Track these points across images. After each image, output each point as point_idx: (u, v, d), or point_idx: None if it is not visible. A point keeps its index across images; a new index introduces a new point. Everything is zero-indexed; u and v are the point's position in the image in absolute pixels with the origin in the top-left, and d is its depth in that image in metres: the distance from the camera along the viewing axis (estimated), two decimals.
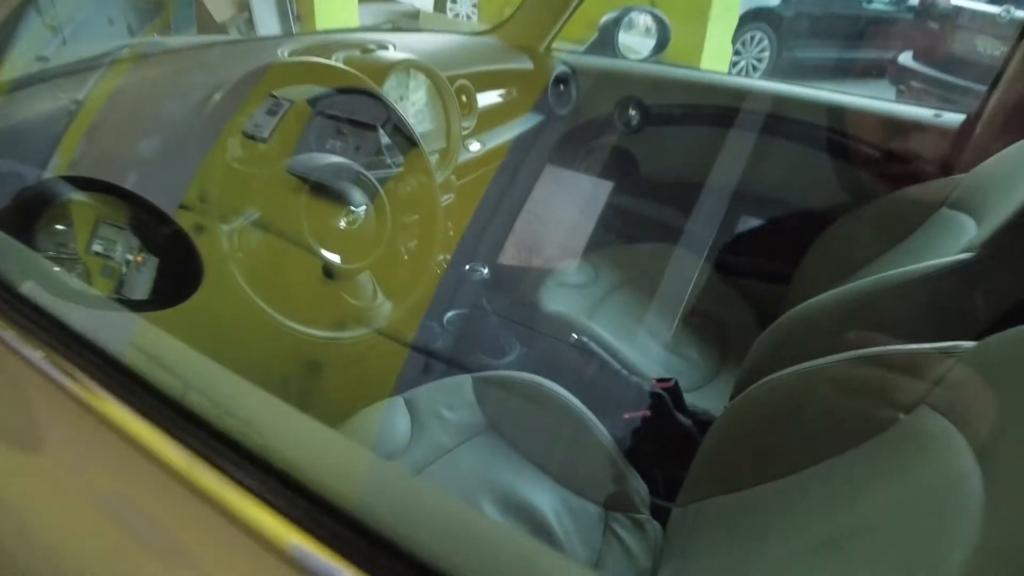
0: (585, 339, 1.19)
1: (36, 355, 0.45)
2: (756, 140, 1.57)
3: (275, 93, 1.03)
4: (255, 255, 0.80)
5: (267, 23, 3.39)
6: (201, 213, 0.91)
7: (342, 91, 1.05)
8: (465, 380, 1.17)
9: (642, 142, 1.75)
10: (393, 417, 1.08)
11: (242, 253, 0.80)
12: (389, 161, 1.07)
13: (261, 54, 1.26)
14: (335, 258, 0.85)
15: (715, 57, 2.91)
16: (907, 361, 0.76)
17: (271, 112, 1.00)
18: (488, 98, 1.56)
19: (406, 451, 1.05)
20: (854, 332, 1.02)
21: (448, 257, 1.24)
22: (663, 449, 1.13)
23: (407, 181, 1.01)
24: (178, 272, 0.75)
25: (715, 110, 1.61)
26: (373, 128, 1.02)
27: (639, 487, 1.06)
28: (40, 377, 0.45)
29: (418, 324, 1.07)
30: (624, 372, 1.19)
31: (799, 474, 0.82)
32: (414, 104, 1.24)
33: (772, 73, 5.31)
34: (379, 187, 0.91)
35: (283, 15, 3.41)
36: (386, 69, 1.13)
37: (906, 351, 0.76)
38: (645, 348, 1.43)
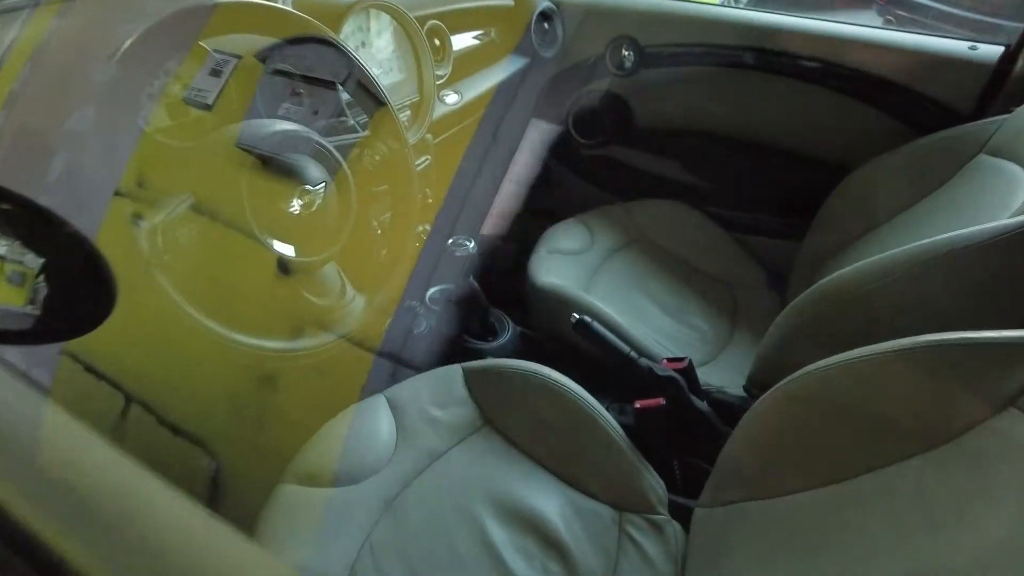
0: (588, 319, 1.05)
1: None
2: (766, 81, 1.41)
3: (216, 48, 0.85)
4: (188, 254, 0.64)
5: None
6: (139, 200, 0.74)
7: (295, 42, 0.87)
8: (455, 371, 1.03)
9: (637, 87, 1.58)
10: (374, 421, 0.95)
11: (170, 255, 0.63)
12: (352, 123, 0.90)
13: None
14: (288, 250, 0.69)
15: None
16: (989, 352, 0.63)
17: (215, 72, 0.82)
18: (463, 41, 1.37)
19: (392, 459, 0.92)
20: (902, 311, 0.90)
21: (427, 229, 1.08)
22: (680, 439, 1.01)
23: (375, 147, 0.84)
24: (79, 291, 0.59)
25: (719, 49, 1.44)
26: (333, 86, 0.85)
27: (655, 484, 0.95)
28: None
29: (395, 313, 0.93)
30: (632, 354, 1.06)
31: (852, 482, 0.70)
32: (379, 52, 1.06)
33: (750, 5, 5.08)
34: (341, 159, 0.75)
35: None
36: (343, 11, 0.95)
37: (987, 339, 0.64)
38: (649, 319, 1.30)
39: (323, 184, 0.71)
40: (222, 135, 0.72)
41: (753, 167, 1.49)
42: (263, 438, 0.79)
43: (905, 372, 0.69)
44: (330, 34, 0.87)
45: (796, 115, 1.41)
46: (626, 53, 1.55)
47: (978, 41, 1.27)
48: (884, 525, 0.63)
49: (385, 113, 0.87)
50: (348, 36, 0.98)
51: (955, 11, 3.97)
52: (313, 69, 0.86)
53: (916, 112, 1.28)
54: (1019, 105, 1.12)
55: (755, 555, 0.75)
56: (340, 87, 0.86)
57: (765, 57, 1.39)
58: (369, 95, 0.88)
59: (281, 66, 0.86)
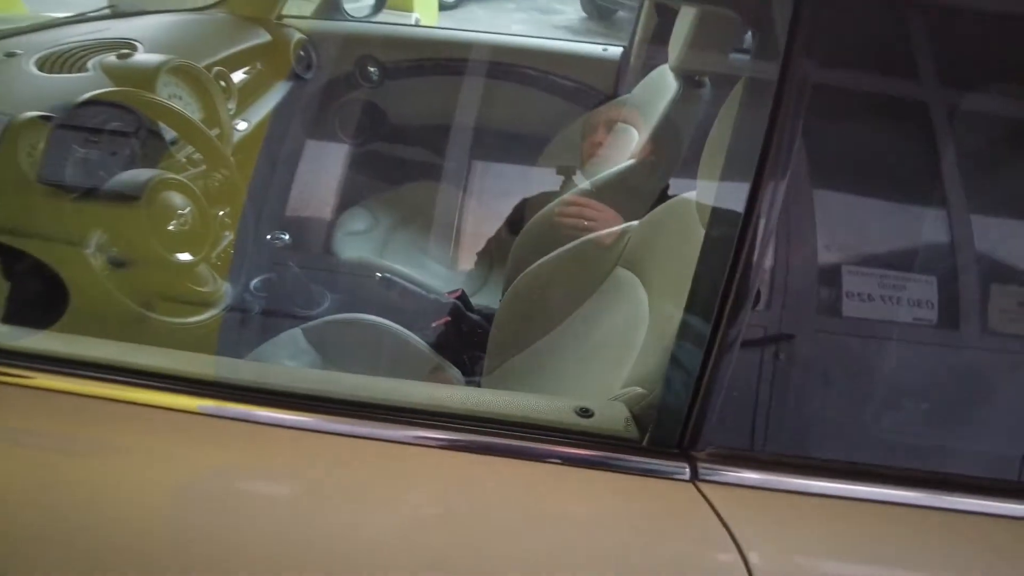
0: (389, 275, 1.47)
1: None
2: (480, 83, 1.91)
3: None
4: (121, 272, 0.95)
5: None
6: None
7: (89, 104, 1.11)
8: (296, 332, 1.39)
9: (387, 94, 1.99)
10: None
11: (108, 273, 0.93)
12: (183, 160, 1.20)
13: None
14: (187, 256, 1.01)
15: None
16: (605, 239, 1.18)
17: None
18: (238, 76, 1.66)
19: None
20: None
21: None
22: (465, 341, 1.48)
23: (212, 176, 1.16)
24: (43, 296, 0.87)
25: (445, 61, 1.91)
26: (126, 134, 1.12)
27: (454, 372, 1.41)
28: None
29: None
30: (423, 293, 1.50)
31: (560, 326, 1.23)
32: (180, 99, 1.33)
33: None
34: (196, 189, 1.06)
35: None
36: (153, 74, 1.22)
37: (605, 234, 1.18)
38: (432, 271, 1.75)
39: (188, 208, 1.03)
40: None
41: (484, 149, 2.00)
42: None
43: (569, 262, 1.22)
44: (131, 99, 1.13)
45: (507, 106, 1.94)
46: (372, 69, 1.95)
47: (608, 45, 1.89)
48: (574, 340, 1.15)
49: (213, 148, 1.19)
50: (161, 90, 1.25)
51: None
52: (108, 122, 1.12)
53: (578, 95, 1.87)
54: (635, 86, 1.74)
55: (523, 382, 1.25)
56: (135, 135, 1.13)
57: (480, 66, 1.89)
58: (159, 139, 1.16)
59: (68, 122, 1.09)
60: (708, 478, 0.59)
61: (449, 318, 1.46)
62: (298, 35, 1.88)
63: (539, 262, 1.25)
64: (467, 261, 1.84)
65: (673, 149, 1.41)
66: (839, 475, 0.59)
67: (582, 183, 1.43)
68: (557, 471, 0.61)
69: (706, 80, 1.47)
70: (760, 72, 0.62)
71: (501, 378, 1.32)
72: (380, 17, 2.14)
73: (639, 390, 0.78)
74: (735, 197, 0.65)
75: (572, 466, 0.61)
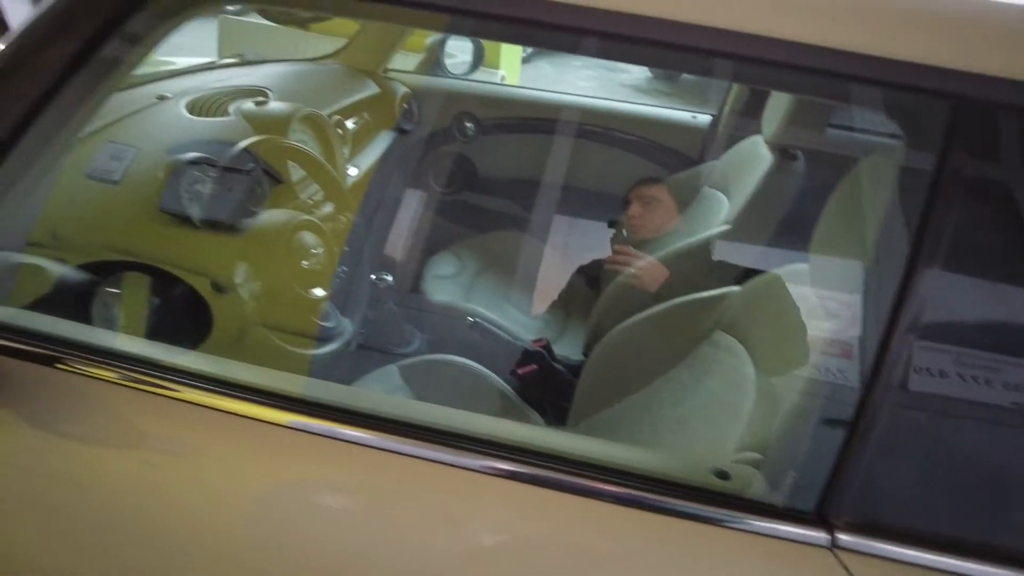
0: (480, 320, 1.53)
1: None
2: (569, 142, 2.00)
3: (115, 140, 1.17)
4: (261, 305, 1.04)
5: None
6: (54, 249, 1.06)
7: (210, 144, 1.20)
8: (392, 369, 1.45)
9: (478, 149, 2.09)
10: None
11: (256, 303, 1.02)
12: (311, 201, 1.29)
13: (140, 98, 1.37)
14: (320, 292, 1.09)
15: (510, 58, 3.49)
16: (704, 303, 1.22)
17: (116, 158, 1.14)
18: (349, 124, 1.79)
19: None
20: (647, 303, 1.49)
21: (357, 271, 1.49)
22: (549, 390, 1.52)
23: (337, 219, 1.25)
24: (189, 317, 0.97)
25: (536, 121, 2.00)
26: (242, 172, 1.20)
27: (537, 420, 1.44)
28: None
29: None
30: (511, 340, 1.55)
31: (651, 385, 1.25)
32: (306, 143, 1.45)
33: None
34: (320, 223, 1.15)
35: None
36: (286, 121, 1.34)
37: (703, 297, 1.22)
38: (514, 318, 1.81)
39: (321, 248, 1.11)
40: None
41: (569, 204, 2.07)
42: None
43: (665, 321, 1.25)
44: (250, 144, 1.22)
45: (593, 166, 2.01)
46: (468, 124, 2.06)
47: (696, 112, 1.96)
48: (669, 402, 1.18)
49: (339, 192, 1.28)
50: (293, 135, 1.36)
51: None
52: (222, 160, 1.20)
53: (665, 158, 1.94)
54: (723, 152, 1.79)
55: (609, 438, 1.27)
56: (251, 173, 1.22)
57: (570, 126, 1.98)
58: (271, 177, 1.25)
59: (189, 157, 1.18)
60: (847, 546, 0.61)
61: (535, 366, 1.50)
62: (404, 89, 2.01)
63: (632, 320, 1.29)
64: (547, 311, 1.89)
65: (765, 218, 1.44)
66: (982, 556, 0.60)
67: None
68: (694, 528, 0.64)
69: (799, 153, 1.52)
70: (913, 162, 0.66)
71: (588, 430, 1.34)
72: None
73: (756, 455, 0.80)
74: (867, 275, 0.69)
75: (709, 524, 0.64)
